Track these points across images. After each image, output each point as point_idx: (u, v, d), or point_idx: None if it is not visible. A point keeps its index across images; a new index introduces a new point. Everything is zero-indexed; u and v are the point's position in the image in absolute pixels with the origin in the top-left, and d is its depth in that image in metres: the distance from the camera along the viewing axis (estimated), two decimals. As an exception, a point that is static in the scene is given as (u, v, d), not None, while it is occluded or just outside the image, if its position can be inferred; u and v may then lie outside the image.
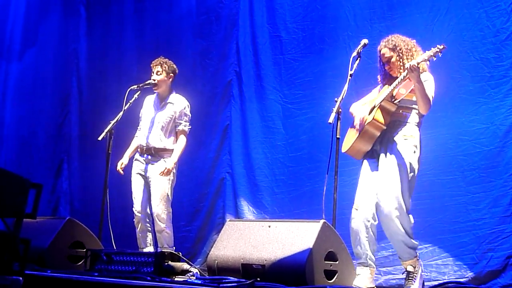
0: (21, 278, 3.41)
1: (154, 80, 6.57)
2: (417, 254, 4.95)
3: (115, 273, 5.21)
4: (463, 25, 5.86)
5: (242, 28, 7.69)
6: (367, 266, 5.04)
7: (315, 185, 6.42)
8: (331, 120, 4.97)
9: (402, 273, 5.02)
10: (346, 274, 4.63)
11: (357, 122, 5.13)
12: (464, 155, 5.71)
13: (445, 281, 5.41)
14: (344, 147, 5.30)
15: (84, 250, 5.88)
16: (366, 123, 5.03)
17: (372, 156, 5.15)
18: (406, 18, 6.21)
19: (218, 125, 7.71)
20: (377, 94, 5.16)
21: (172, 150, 6.50)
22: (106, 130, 6.41)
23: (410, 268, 4.87)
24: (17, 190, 3.50)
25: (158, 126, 6.55)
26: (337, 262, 4.57)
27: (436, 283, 5.37)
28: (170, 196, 6.51)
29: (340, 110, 5.01)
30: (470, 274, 5.42)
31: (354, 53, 5.15)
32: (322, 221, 4.58)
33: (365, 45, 5.17)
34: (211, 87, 7.90)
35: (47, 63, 10.00)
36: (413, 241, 4.91)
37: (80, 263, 5.95)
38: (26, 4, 10.50)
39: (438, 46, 4.76)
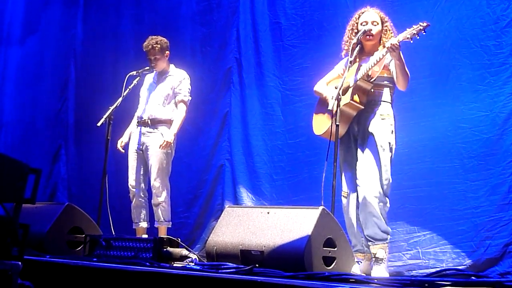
0: (20, 263, 3.42)
1: (153, 65, 6.57)
2: (388, 239, 4.96)
3: (114, 258, 5.22)
4: (463, 12, 5.84)
5: (243, 15, 7.67)
6: (363, 253, 5.06)
7: (313, 172, 6.43)
8: (330, 107, 4.96)
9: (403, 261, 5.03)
10: (345, 261, 4.64)
11: (330, 103, 5.04)
12: (463, 142, 5.70)
13: (443, 268, 5.42)
14: (318, 130, 5.28)
15: (83, 235, 5.89)
16: (342, 105, 5.00)
17: (349, 137, 5.14)
18: (406, 4, 6.18)
19: (217, 112, 7.70)
20: (347, 72, 5.07)
21: (170, 120, 6.49)
22: (105, 116, 6.42)
23: (380, 253, 4.87)
24: (16, 175, 3.50)
25: (157, 98, 6.57)
26: (335, 249, 4.57)
27: (434, 270, 5.39)
28: (168, 169, 6.51)
29: (340, 97, 4.99)
30: (468, 261, 5.43)
31: (354, 40, 5.12)
32: (321, 207, 4.58)
33: (367, 34, 5.13)
34: (211, 74, 7.89)
35: (47, 49, 10.00)
36: (386, 226, 4.93)
37: (79, 248, 5.96)
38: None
39: (420, 23, 4.72)
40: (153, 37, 6.67)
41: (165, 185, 6.52)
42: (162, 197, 6.46)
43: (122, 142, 6.64)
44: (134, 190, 6.54)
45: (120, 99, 6.49)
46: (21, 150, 9.79)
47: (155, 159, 6.44)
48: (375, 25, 5.12)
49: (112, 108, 6.46)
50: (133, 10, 9.00)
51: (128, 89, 6.54)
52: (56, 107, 9.62)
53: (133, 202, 6.57)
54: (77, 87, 9.53)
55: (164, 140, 6.38)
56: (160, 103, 6.55)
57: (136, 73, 6.61)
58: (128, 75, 6.57)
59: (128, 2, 9.10)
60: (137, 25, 8.90)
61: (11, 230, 3.45)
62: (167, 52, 6.67)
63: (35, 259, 4.94)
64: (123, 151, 6.63)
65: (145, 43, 6.66)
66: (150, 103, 6.58)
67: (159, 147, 6.39)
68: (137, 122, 6.63)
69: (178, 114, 6.53)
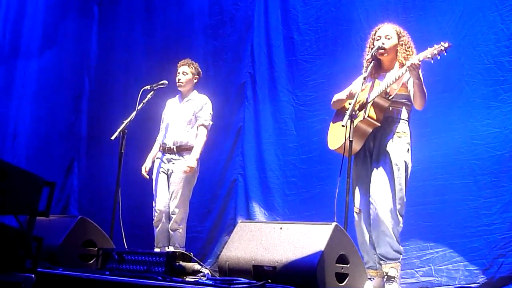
0: (33, 276, 3.43)
1: (180, 80, 6.61)
2: (400, 259, 4.94)
3: (127, 272, 5.21)
4: (477, 28, 5.84)
5: (257, 30, 7.71)
6: (376, 270, 5.04)
7: (325, 187, 6.42)
8: (344, 123, 4.95)
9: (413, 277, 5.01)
10: (357, 277, 4.62)
11: (344, 119, 4.97)
12: (476, 159, 5.69)
13: (456, 286, 5.39)
14: (333, 145, 5.25)
15: (96, 249, 5.90)
16: (358, 121, 4.99)
17: (365, 153, 5.12)
18: (421, 21, 6.19)
19: (231, 127, 7.72)
20: (364, 88, 5.06)
21: (192, 146, 6.51)
22: (119, 130, 6.44)
23: (392, 272, 4.85)
24: (31, 188, 3.52)
25: (179, 123, 6.59)
26: (348, 265, 4.56)
27: None
28: (189, 196, 6.54)
29: (354, 113, 4.98)
30: (481, 279, 5.40)
31: (369, 56, 5.12)
32: (334, 223, 4.56)
33: (379, 48, 5.12)
34: (224, 88, 7.92)
35: (63, 62, 10.06)
36: (399, 245, 4.90)
37: (91, 261, 5.96)
38: (45, 4, 10.54)
39: (442, 43, 4.68)
40: (192, 60, 6.77)
41: (185, 213, 6.54)
42: (180, 224, 6.48)
43: (146, 167, 6.66)
44: (161, 214, 6.54)
45: (134, 113, 6.51)
46: (36, 162, 9.83)
47: (178, 186, 6.46)
48: (388, 39, 5.11)
49: (126, 122, 6.47)
50: (146, 24, 9.06)
51: (142, 103, 6.56)
52: (70, 120, 9.67)
53: (159, 227, 6.55)
54: (90, 100, 9.58)
55: (187, 166, 6.41)
56: (184, 129, 6.58)
57: (150, 87, 6.64)
58: (142, 89, 6.60)
59: (141, 15, 9.15)
60: (149, 39, 8.95)
61: (24, 242, 3.46)
62: (197, 77, 6.73)
63: (48, 272, 4.95)
64: (148, 177, 6.65)
65: (183, 59, 6.74)
66: (173, 129, 6.60)
67: (183, 172, 6.41)
68: (162, 148, 6.65)
69: (199, 139, 6.56)
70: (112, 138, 6.45)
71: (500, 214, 5.44)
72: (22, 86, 10.57)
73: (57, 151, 9.77)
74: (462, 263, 5.58)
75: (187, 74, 6.66)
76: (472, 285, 5.32)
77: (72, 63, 9.87)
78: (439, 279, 5.64)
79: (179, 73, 6.68)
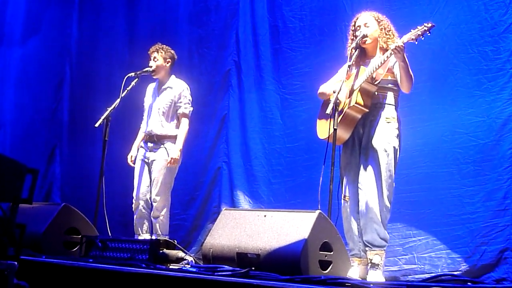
0: (16, 263, 3.42)
1: (151, 67, 6.58)
2: (386, 246, 4.97)
3: (110, 259, 5.22)
4: (461, 17, 5.85)
5: (242, 18, 7.67)
6: (360, 258, 5.06)
7: (311, 176, 6.42)
8: (328, 111, 4.96)
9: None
10: (341, 265, 4.65)
11: (329, 107, 5.00)
12: (459, 148, 5.71)
13: (438, 273, 5.42)
14: (322, 134, 5.26)
15: (80, 236, 5.90)
16: (347, 107, 5.01)
17: (353, 141, 5.13)
18: (404, 9, 6.19)
19: (215, 115, 7.70)
20: (348, 77, 5.08)
21: (174, 136, 6.50)
22: (103, 117, 6.41)
23: (376, 259, 4.88)
24: (14, 175, 3.51)
25: (158, 112, 6.57)
26: (331, 253, 4.58)
27: (429, 275, 5.40)
28: (171, 184, 6.54)
29: (338, 101, 4.99)
30: (463, 267, 5.42)
31: (353, 45, 5.13)
32: (317, 211, 4.58)
33: (363, 36, 5.13)
34: (209, 76, 7.90)
35: (44, 50, 9.99)
36: (385, 232, 4.93)
37: (75, 249, 5.96)
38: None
39: (425, 24, 4.72)
40: (162, 44, 6.70)
41: (167, 200, 6.54)
42: (162, 212, 6.48)
43: (132, 156, 6.65)
44: (138, 202, 6.54)
45: (118, 100, 6.48)
46: (20, 150, 9.78)
47: (159, 174, 6.46)
48: (367, 27, 5.13)
49: (110, 109, 6.44)
50: (129, 11, 8.99)
51: (126, 91, 6.52)
52: (52, 106, 9.62)
53: (136, 213, 6.57)
54: (72, 86, 9.52)
55: (171, 158, 6.40)
56: (162, 118, 6.56)
57: (135, 74, 6.60)
58: (126, 76, 6.56)
59: (124, 2, 9.08)
60: (132, 26, 8.89)
61: (7, 230, 3.45)
62: (169, 60, 6.67)
63: (31, 259, 4.94)
64: (133, 165, 6.64)
65: (152, 46, 6.68)
66: (152, 118, 6.58)
67: (167, 164, 6.41)
68: (144, 138, 6.64)
69: (181, 129, 6.54)
70: (96, 125, 6.43)
71: (483, 202, 5.46)
72: (4, 74, 10.50)
73: (39, 139, 9.72)
74: (444, 251, 5.61)
75: (157, 60, 6.62)
76: (455, 273, 5.35)
77: (53, 50, 9.80)
78: (422, 266, 5.67)
79: (150, 59, 6.65)
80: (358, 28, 5.16)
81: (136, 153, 6.67)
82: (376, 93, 5.03)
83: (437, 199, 5.75)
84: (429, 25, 4.70)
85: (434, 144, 5.84)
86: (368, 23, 5.13)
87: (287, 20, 7.28)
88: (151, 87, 6.81)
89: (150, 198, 6.50)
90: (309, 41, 7.07)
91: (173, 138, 6.52)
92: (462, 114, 5.72)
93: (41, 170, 9.20)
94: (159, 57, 6.61)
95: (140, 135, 6.75)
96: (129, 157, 6.67)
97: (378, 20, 5.15)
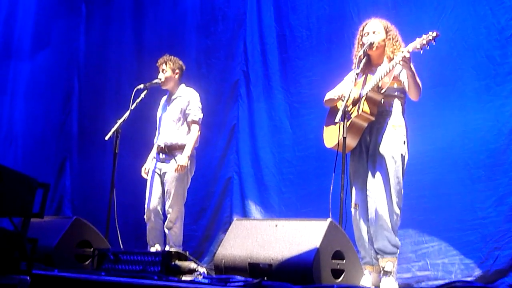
0: (28, 278, 3.43)
1: (160, 78, 6.60)
2: (398, 253, 4.95)
3: (122, 272, 5.22)
4: (468, 23, 5.85)
5: (250, 27, 7.70)
6: (372, 265, 5.05)
7: (322, 184, 6.40)
8: (337, 119, 4.95)
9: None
10: (353, 273, 4.63)
11: (337, 116, 4.97)
12: (469, 153, 5.69)
13: (452, 280, 5.39)
14: (329, 142, 5.26)
15: (91, 249, 5.90)
16: (353, 117, 5.00)
17: (360, 148, 5.12)
18: (411, 16, 6.20)
19: (225, 125, 7.71)
20: (355, 84, 5.06)
21: (184, 145, 6.50)
22: (113, 130, 6.42)
23: (388, 266, 4.86)
24: (25, 190, 3.52)
25: (169, 123, 6.58)
26: (344, 261, 4.56)
27: (443, 282, 5.37)
28: (184, 195, 6.53)
29: (347, 109, 4.99)
30: (477, 273, 5.40)
31: (361, 53, 5.13)
32: (329, 220, 4.57)
33: (371, 44, 5.13)
34: (217, 86, 7.91)
35: (53, 62, 10.04)
36: (396, 239, 4.92)
37: (87, 262, 5.96)
38: (37, 4, 10.52)
39: (430, 33, 4.70)
40: (170, 55, 6.72)
41: (180, 212, 6.53)
42: (175, 223, 6.48)
43: (145, 169, 6.66)
44: (150, 213, 6.54)
45: (128, 112, 6.49)
46: (30, 163, 9.82)
47: (171, 186, 6.45)
48: (376, 34, 5.13)
49: (120, 121, 6.45)
50: (136, 22, 9.03)
51: (135, 103, 6.54)
52: (61, 119, 9.65)
53: (149, 224, 6.58)
54: (80, 99, 9.56)
55: (178, 164, 6.40)
56: (173, 128, 6.55)
57: (144, 86, 6.61)
58: (135, 88, 6.57)
59: (132, 13, 9.12)
60: (140, 37, 8.93)
61: (19, 244, 3.46)
62: (177, 71, 6.67)
63: (44, 273, 4.94)
64: (146, 177, 6.66)
65: (160, 58, 6.71)
66: (164, 129, 6.59)
67: (174, 171, 6.41)
68: (157, 149, 6.65)
69: (190, 136, 6.53)
70: (106, 138, 6.44)
71: (495, 207, 5.44)
72: (14, 87, 10.55)
73: (49, 151, 9.75)
74: (457, 257, 5.59)
75: (166, 71, 6.63)
76: (468, 279, 5.33)
77: (62, 63, 9.86)
78: (435, 273, 5.65)
79: (159, 71, 6.67)
80: (366, 34, 5.16)
81: (150, 165, 6.68)
82: (382, 101, 5.02)
83: (448, 204, 5.73)
84: (434, 34, 4.69)
85: (444, 150, 5.83)
86: (377, 31, 5.12)
87: (294, 29, 7.30)
88: (163, 100, 6.83)
89: (162, 209, 6.51)
90: (316, 49, 7.08)
91: (183, 148, 6.52)
92: (472, 119, 5.71)
93: (52, 183, 9.22)
94: (167, 69, 6.62)
95: (155, 147, 6.76)
96: (143, 169, 6.68)
97: (387, 29, 5.14)
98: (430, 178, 5.86)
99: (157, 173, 6.57)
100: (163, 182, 6.54)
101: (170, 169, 6.48)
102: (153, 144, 6.79)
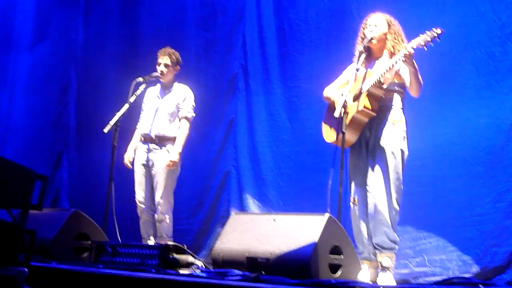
0: (26, 269, 3.43)
1: (161, 71, 6.59)
2: (396, 248, 4.95)
3: (120, 265, 5.22)
4: (469, 19, 5.84)
5: (249, 21, 7.68)
6: (370, 261, 5.05)
7: (320, 179, 6.39)
8: (337, 114, 4.94)
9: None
10: (351, 268, 4.63)
11: (336, 110, 4.96)
12: (469, 149, 5.70)
13: (450, 276, 5.40)
14: (328, 137, 5.26)
15: (89, 242, 5.90)
16: (355, 112, 4.99)
17: (360, 144, 5.12)
18: (411, 11, 6.18)
19: (223, 118, 7.70)
20: (354, 78, 5.05)
21: (175, 137, 6.50)
22: (112, 123, 6.40)
23: (386, 261, 4.87)
24: (23, 182, 3.52)
25: (162, 114, 6.58)
26: (341, 256, 4.57)
27: (440, 278, 5.38)
28: (173, 186, 6.54)
29: (346, 104, 4.98)
30: (475, 269, 5.41)
31: (361, 47, 5.11)
32: (327, 214, 4.57)
33: (371, 39, 5.12)
34: (216, 80, 7.90)
35: (50, 55, 10.00)
36: (395, 235, 4.92)
37: (85, 255, 5.96)
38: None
39: (434, 30, 4.68)
40: (172, 49, 6.71)
41: (170, 202, 6.56)
42: (166, 214, 6.50)
43: (129, 157, 6.65)
44: (142, 206, 6.56)
45: (127, 105, 6.47)
46: (28, 155, 9.79)
47: (161, 176, 6.47)
48: (377, 28, 5.12)
49: (118, 114, 6.43)
50: (135, 15, 9.00)
51: (134, 96, 6.52)
52: (57, 111, 9.63)
53: (142, 218, 6.60)
54: (78, 91, 9.51)
55: (170, 160, 6.42)
56: (166, 120, 6.57)
57: (143, 79, 6.60)
58: (134, 81, 6.55)
59: (131, 6, 9.08)
60: (139, 30, 8.89)
61: (17, 236, 3.46)
62: (177, 67, 6.69)
63: (41, 265, 4.94)
64: (131, 166, 6.65)
65: (162, 49, 6.68)
66: (156, 119, 6.58)
67: (166, 167, 6.41)
68: (143, 138, 6.63)
69: (181, 132, 6.55)
70: (105, 131, 6.41)
71: (493, 204, 5.45)
72: (14, 80, 10.53)
73: (46, 144, 9.72)
74: (455, 253, 5.59)
75: (168, 65, 6.63)
76: (466, 275, 5.33)
77: (60, 56, 9.81)
78: (433, 269, 5.65)
79: (159, 63, 6.64)
80: (368, 26, 5.15)
81: (133, 154, 6.66)
82: (383, 96, 5.02)
83: (447, 201, 5.73)
84: (438, 31, 4.66)
85: (443, 146, 5.83)
86: (378, 24, 5.11)
87: (293, 23, 7.28)
88: (152, 90, 6.81)
89: (154, 201, 6.50)
90: (315, 44, 7.06)
91: (174, 140, 6.52)
92: (471, 116, 5.71)
93: (48, 175, 9.16)
94: (168, 62, 6.62)
95: (137, 136, 6.74)
96: (126, 157, 6.65)
97: (390, 24, 5.13)
98: (429, 174, 5.86)
99: (144, 164, 6.56)
100: (151, 173, 6.53)
101: (159, 159, 6.49)
102: (134, 132, 6.78)
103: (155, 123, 6.58)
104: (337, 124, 5.04)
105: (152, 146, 6.57)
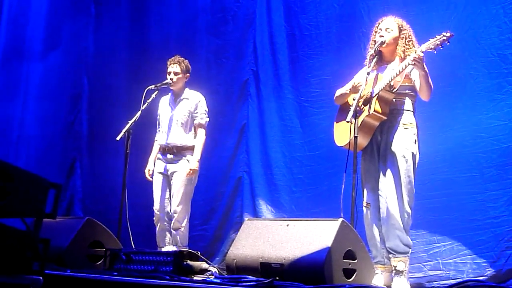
0: (41, 278, 3.43)
1: (172, 79, 6.61)
2: (409, 253, 4.93)
3: (134, 272, 5.22)
4: (480, 22, 5.83)
5: (259, 27, 7.68)
6: (384, 265, 5.03)
7: (333, 184, 6.40)
8: (349, 118, 4.93)
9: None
10: (365, 273, 4.62)
11: (348, 115, 4.95)
12: (481, 152, 5.68)
13: (464, 279, 5.37)
14: (340, 141, 5.24)
15: (103, 249, 5.91)
16: (365, 115, 4.99)
17: (372, 147, 5.11)
18: (422, 15, 6.17)
19: (234, 124, 7.71)
20: (366, 82, 5.02)
21: (193, 146, 6.52)
22: (124, 130, 6.43)
23: (400, 265, 4.84)
24: (37, 190, 3.52)
25: (177, 124, 6.60)
26: (355, 261, 4.56)
27: (454, 281, 5.35)
28: (191, 195, 6.57)
29: (358, 108, 4.97)
30: (489, 272, 5.39)
31: (372, 51, 5.11)
32: (340, 219, 4.57)
33: (382, 43, 5.11)
34: (227, 86, 7.91)
35: (63, 63, 10.04)
36: (408, 238, 4.90)
37: (99, 262, 5.97)
38: (48, 5, 10.53)
39: (444, 33, 4.67)
40: (181, 57, 6.74)
41: (187, 211, 6.57)
42: (182, 223, 6.51)
43: (149, 170, 6.68)
44: (159, 214, 6.58)
45: (139, 113, 6.49)
46: (41, 163, 9.82)
47: (180, 185, 6.49)
48: (388, 32, 5.11)
49: (131, 122, 6.46)
50: (146, 22, 9.02)
51: (146, 103, 6.55)
52: (69, 119, 9.67)
53: (158, 226, 6.62)
54: (90, 99, 9.55)
55: (190, 169, 6.44)
56: (181, 130, 6.60)
57: (155, 87, 6.62)
58: (146, 89, 6.57)
59: (142, 13, 9.10)
60: (150, 37, 8.92)
61: (32, 245, 3.46)
62: (187, 75, 6.71)
63: (56, 273, 4.95)
64: (151, 179, 6.67)
65: (172, 57, 6.71)
66: (171, 130, 6.62)
67: (186, 175, 6.44)
68: (162, 149, 6.66)
69: (198, 140, 6.58)
70: (118, 138, 6.45)
71: (507, 206, 5.43)
72: (27, 88, 10.57)
73: (58, 152, 9.76)
74: (469, 256, 5.57)
75: (178, 73, 6.66)
76: (480, 278, 5.31)
77: (70, 63, 9.85)
78: (447, 272, 5.64)
79: (170, 72, 6.67)
80: (380, 31, 5.15)
81: (153, 167, 6.69)
82: (394, 100, 5.01)
83: (460, 204, 5.72)
84: (448, 34, 4.65)
85: (456, 149, 5.81)
86: (390, 28, 5.11)
87: (303, 28, 7.29)
88: (165, 99, 6.83)
89: (171, 210, 6.52)
90: (326, 49, 7.07)
91: (192, 149, 6.54)
92: (484, 118, 5.70)
93: (62, 183, 9.20)
94: (178, 70, 6.64)
95: (156, 147, 6.77)
96: (146, 171, 6.69)
97: (401, 28, 5.12)
98: (441, 178, 5.84)
99: (164, 174, 6.59)
100: (170, 183, 6.55)
101: (179, 169, 6.51)
102: (153, 144, 6.81)
103: (171, 135, 6.60)
104: (347, 128, 5.03)
105: (170, 156, 6.59)
